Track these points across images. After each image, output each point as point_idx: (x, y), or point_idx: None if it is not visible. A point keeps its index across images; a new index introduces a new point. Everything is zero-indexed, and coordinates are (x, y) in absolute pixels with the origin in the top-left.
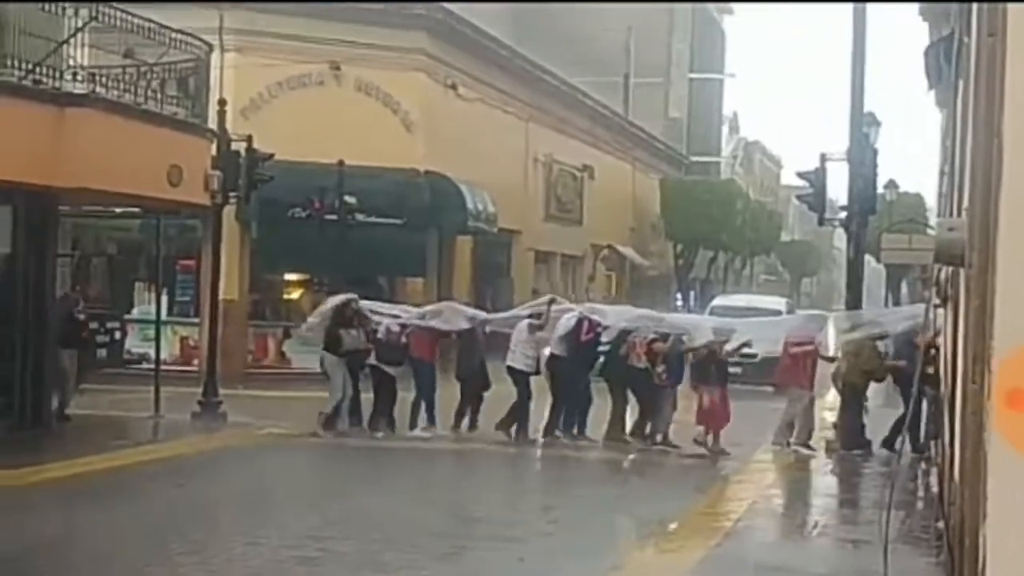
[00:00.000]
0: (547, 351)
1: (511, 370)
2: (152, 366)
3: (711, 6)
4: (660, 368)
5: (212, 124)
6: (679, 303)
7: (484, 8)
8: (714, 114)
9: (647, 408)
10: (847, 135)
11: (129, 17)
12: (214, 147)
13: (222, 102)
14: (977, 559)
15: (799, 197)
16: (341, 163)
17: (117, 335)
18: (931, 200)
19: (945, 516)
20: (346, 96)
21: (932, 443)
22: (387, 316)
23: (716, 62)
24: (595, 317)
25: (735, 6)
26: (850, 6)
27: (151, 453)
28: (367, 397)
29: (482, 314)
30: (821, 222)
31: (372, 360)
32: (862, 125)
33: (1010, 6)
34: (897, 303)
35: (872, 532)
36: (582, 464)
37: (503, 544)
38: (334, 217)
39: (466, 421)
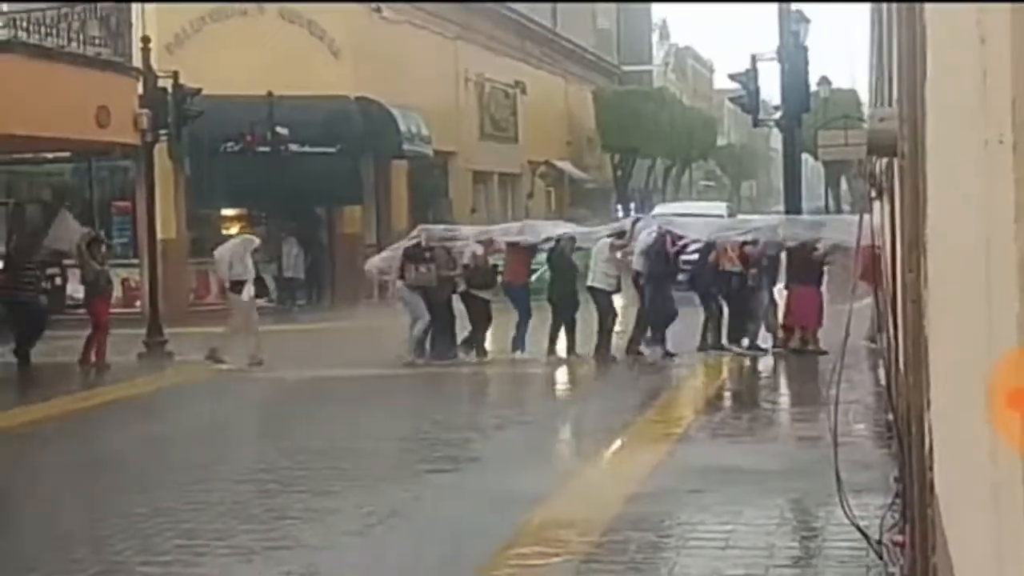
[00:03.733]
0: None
1: (592, 290)
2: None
3: None
4: (753, 270)
5: (137, 62)
6: (619, 214)
7: None
8: (643, 22)
9: (741, 312)
10: (777, 34)
11: None
12: (141, 85)
13: (146, 39)
14: (923, 445)
15: (732, 100)
16: (270, 94)
17: (58, 281)
18: (865, 95)
19: (894, 406)
20: (271, 26)
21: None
22: (469, 241)
23: None
24: (675, 230)
25: None
26: None
27: (101, 396)
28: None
29: (569, 230)
30: (756, 123)
31: (462, 287)
32: (791, 23)
33: None
34: (838, 200)
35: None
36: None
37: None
38: (267, 149)
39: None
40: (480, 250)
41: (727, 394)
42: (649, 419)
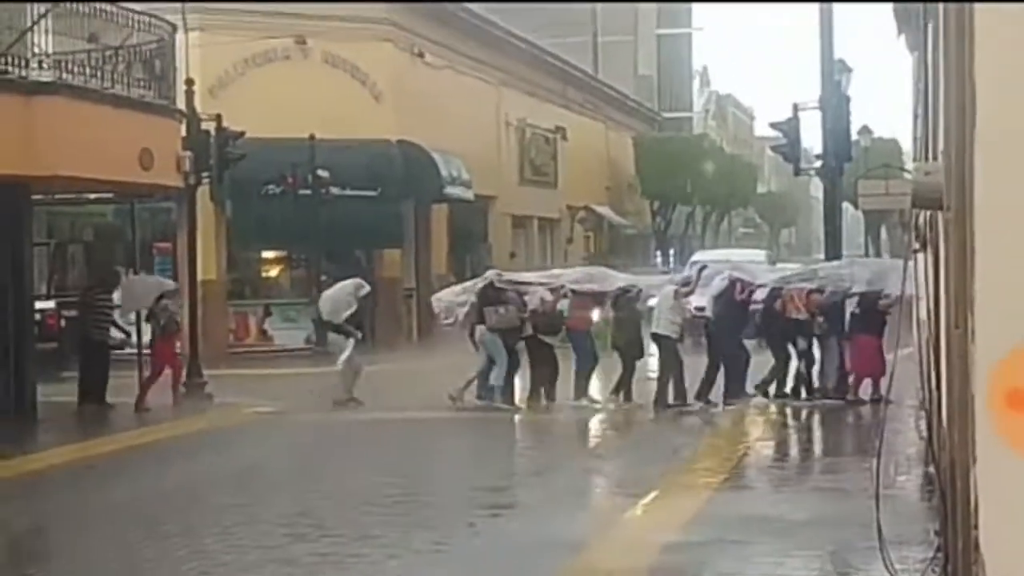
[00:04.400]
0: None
1: (656, 336)
2: (135, 350)
3: None
4: (820, 319)
5: (181, 105)
6: (659, 261)
7: None
8: (684, 69)
9: (810, 361)
10: (819, 83)
11: (91, 2)
12: (184, 128)
13: (189, 82)
14: (969, 500)
15: (774, 148)
16: (312, 137)
17: None
18: (906, 145)
19: (935, 460)
20: (313, 70)
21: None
22: (537, 286)
23: (683, 17)
24: (745, 276)
25: None
26: None
27: (139, 438)
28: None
29: (637, 279)
30: (797, 172)
31: (528, 332)
32: (833, 72)
33: None
34: (878, 250)
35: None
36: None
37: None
38: (308, 192)
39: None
40: (549, 295)
41: (792, 443)
42: (699, 469)
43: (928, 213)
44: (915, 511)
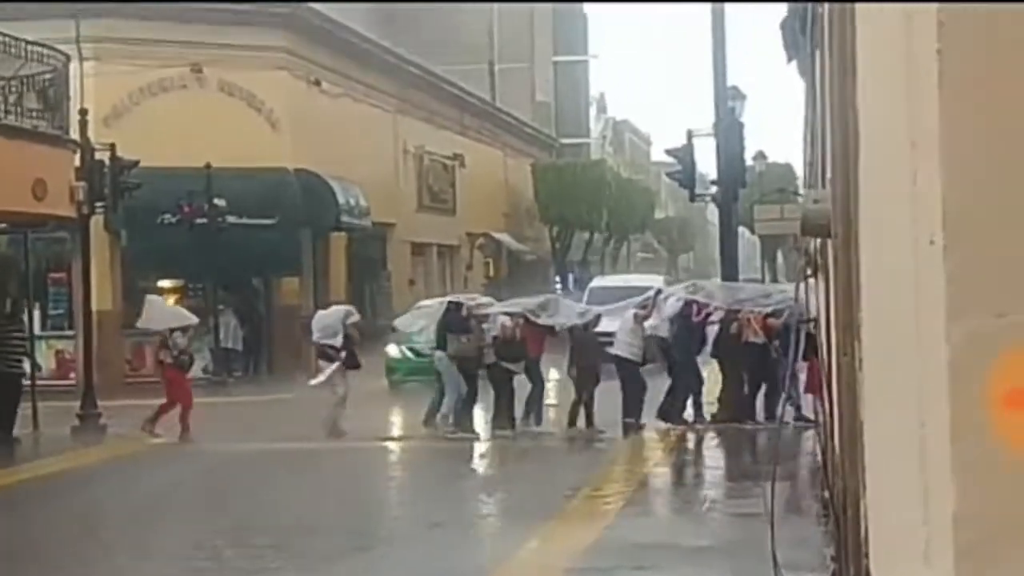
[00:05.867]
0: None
1: (618, 360)
2: (28, 381)
3: None
4: (776, 342)
5: (75, 135)
6: (558, 286)
7: (345, 2)
8: (581, 96)
9: (764, 383)
10: (713, 110)
11: None
12: (78, 157)
13: (83, 112)
14: (859, 530)
15: (669, 174)
16: (208, 166)
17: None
18: (801, 170)
19: (830, 485)
20: (210, 98)
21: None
22: (499, 314)
23: (579, 44)
24: (700, 298)
25: None
26: None
27: (33, 470)
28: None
29: (595, 308)
30: (692, 198)
31: (490, 359)
32: (727, 99)
33: None
34: (774, 274)
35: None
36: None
37: None
38: (204, 220)
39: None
40: (509, 322)
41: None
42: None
43: (818, 240)
44: (813, 535)
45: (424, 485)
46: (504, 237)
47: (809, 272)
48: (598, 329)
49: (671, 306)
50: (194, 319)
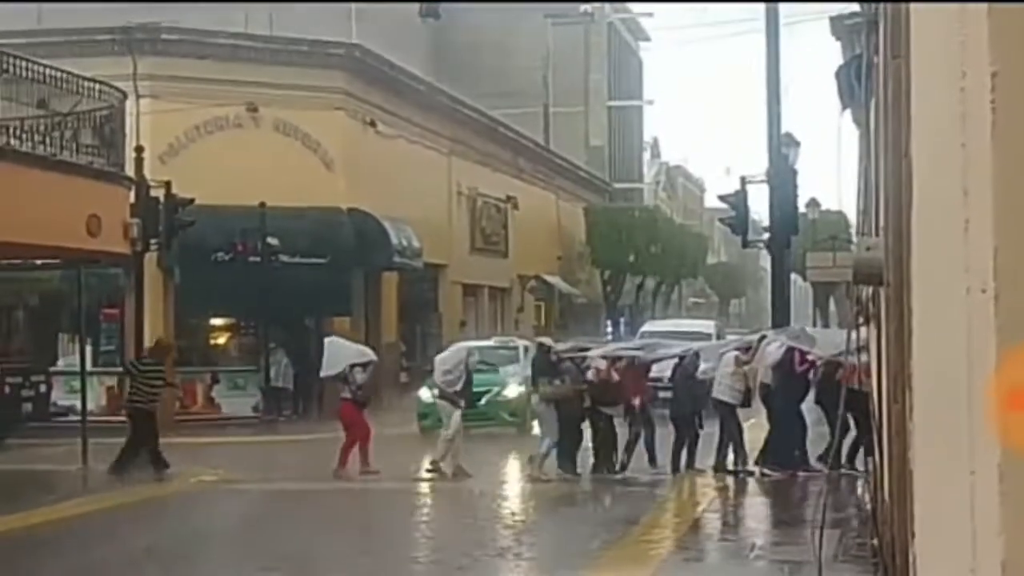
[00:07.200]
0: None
1: (718, 403)
2: (79, 418)
3: (628, 35)
4: None
5: (130, 171)
6: (609, 330)
7: (401, 44)
8: (635, 141)
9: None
10: (767, 156)
11: (41, 67)
12: (133, 194)
13: (139, 149)
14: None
15: (722, 220)
16: (263, 205)
17: (42, 388)
18: (854, 217)
19: (879, 533)
20: (265, 137)
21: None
22: (595, 357)
23: (634, 89)
24: (803, 346)
25: (652, 33)
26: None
27: (80, 506)
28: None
29: (694, 346)
30: (745, 244)
31: (587, 403)
32: (781, 146)
33: (913, 28)
34: (826, 321)
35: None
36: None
37: None
38: (257, 259)
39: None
40: (603, 365)
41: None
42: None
43: (871, 287)
44: None
45: (477, 525)
46: (556, 280)
47: (862, 320)
48: (651, 375)
49: (772, 353)
50: (373, 356)
